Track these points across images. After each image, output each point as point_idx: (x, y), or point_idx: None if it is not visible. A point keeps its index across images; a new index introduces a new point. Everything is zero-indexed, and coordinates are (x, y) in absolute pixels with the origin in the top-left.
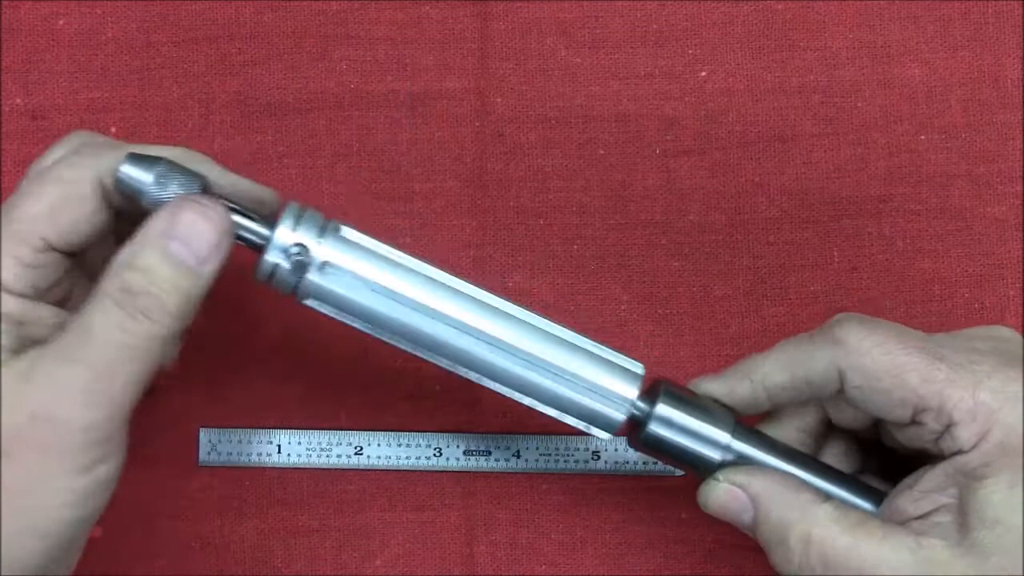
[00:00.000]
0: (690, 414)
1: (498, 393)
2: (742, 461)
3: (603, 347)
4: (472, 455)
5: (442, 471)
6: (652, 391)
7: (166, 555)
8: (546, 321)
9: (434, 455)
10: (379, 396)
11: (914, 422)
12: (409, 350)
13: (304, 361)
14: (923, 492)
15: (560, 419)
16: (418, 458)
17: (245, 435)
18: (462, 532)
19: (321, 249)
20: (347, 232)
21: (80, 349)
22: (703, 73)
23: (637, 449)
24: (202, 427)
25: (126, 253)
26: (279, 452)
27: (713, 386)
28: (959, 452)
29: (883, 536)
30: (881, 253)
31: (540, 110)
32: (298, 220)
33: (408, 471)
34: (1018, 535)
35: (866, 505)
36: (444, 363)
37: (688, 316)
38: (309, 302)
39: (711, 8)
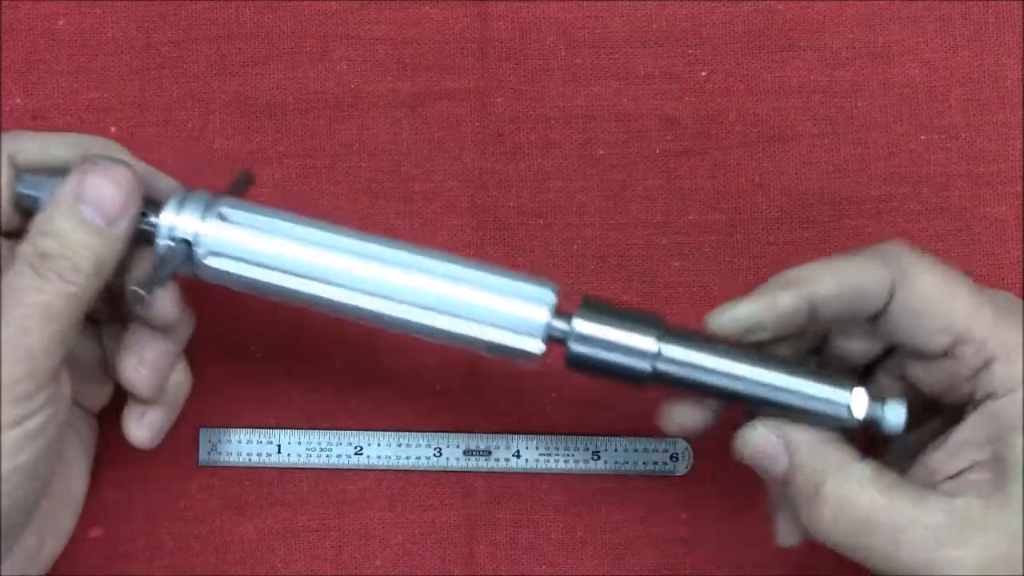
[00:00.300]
0: (610, 325)
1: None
2: (680, 369)
3: (514, 278)
4: (472, 455)
5: (442, 471)
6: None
7: (166, 555)
8: (450, 264)
9: (434, 455)
10: (379, 396)
11: (948, 355)
12: (317, 311)
13: (304, 361)
14: (955, 449)
15: (487, 355)
16: (418, 458)
17: (245, 435)
18: (462, 532)
19: (205, 230)
20: (229, 212)
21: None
22: (703, 73)
23: (573, 371)
24: (202, 427)
25: (39, 219)
26: (279, 452)
27: (747, 307)
28: (990, 396)
29: (917, 499)
30: None
31: (540, 110)
32: (181, 204)
33: (408, 471)
34: None
35: (843, 394)
36: (353, 319)
37: (688, 316)
38: (211, 280)
39: (711, 8)
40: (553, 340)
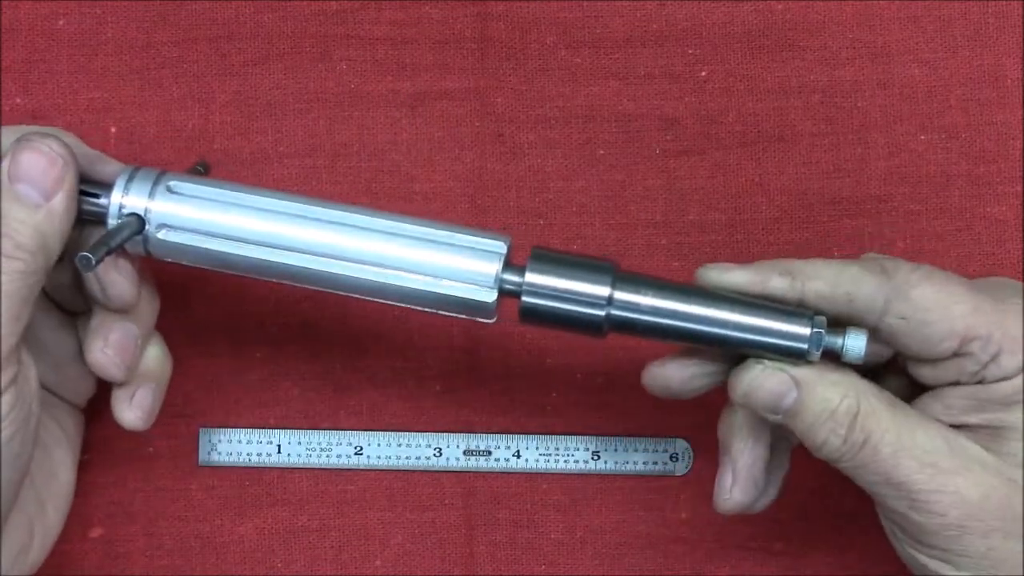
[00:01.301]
0: (562, 275)
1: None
2: (635, 315)
3: (463, 232)
4: (472, 455)
5: (442, 471)
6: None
7: (166, 555)
8: (402, 223)
9: (434, 455)
10: (379, 396)
11: (956, 355)
12: (273, 279)
13: (304, 361)
14: (947, 408)
15: (440, 313)
16: (418, 458)
17: (245, 435)
18: (462, 532)
19: (154, 205)
20: (177, 184)
21: None
22: (703, 73)
23: (527, 323)
24: (202, 427)
25: None
26: (279, 452)
27: (740, 275)
28: (1003, 379)
29: (919, 420)
30: (881, 253)
31: (540, 110)
32: (128, 183)
33: (408, 471)
34: None
35: (802, 327)
36: (308, 284)
37: None
38: (165, 256)
39: (711, 8)
40: (507, 294)
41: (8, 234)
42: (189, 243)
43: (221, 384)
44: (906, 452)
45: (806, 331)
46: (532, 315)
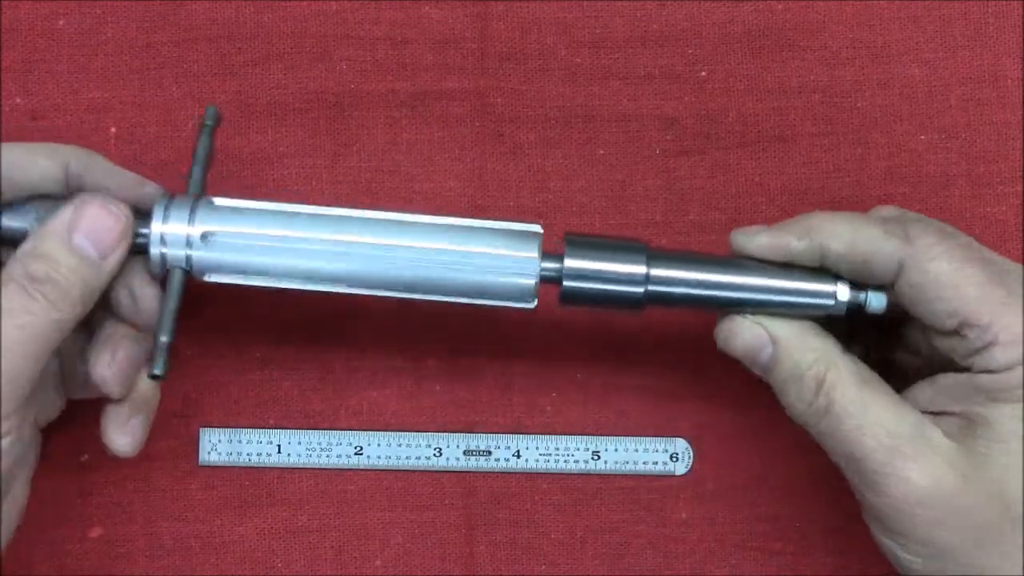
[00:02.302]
0: (600, 259)
1: (412, 300)
2: (673, 288)
3: (497, 223)
4: (472, 455)
5: (442, 471)
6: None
7: (166, 555)
8: (434, 217)
9: (434, 455)
10: (379, 396)
11: (955, 333)
12: (319, 290)
13: (304, 361)
14: (937, 393)
15: (484, 304)
16: (418, 458)
17: (245, 435)
18: (462, 532)
19: (196, 226)
20: (219, 200)
21: None
22: (703, 73)
23: (567, 306)
24: (202, 427)
25: (31, 243)
26: (279, 452)
27: (764, 239)
28: (988, 371)
29: (891, 402)
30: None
31: (540, 110)
32: (167, 209)
33: (408, 471)
34: (1018, 463)
35: (828, 285)
36: (355, 291)
37: (689, 316)
38: (210, 277)
39: (711, 8)
40: (547, 281)
41: (58, 280)
42: (235, 255)
43: (221, 384)
44: (868, 429)
45: (831, 288)
46: (573, 298)
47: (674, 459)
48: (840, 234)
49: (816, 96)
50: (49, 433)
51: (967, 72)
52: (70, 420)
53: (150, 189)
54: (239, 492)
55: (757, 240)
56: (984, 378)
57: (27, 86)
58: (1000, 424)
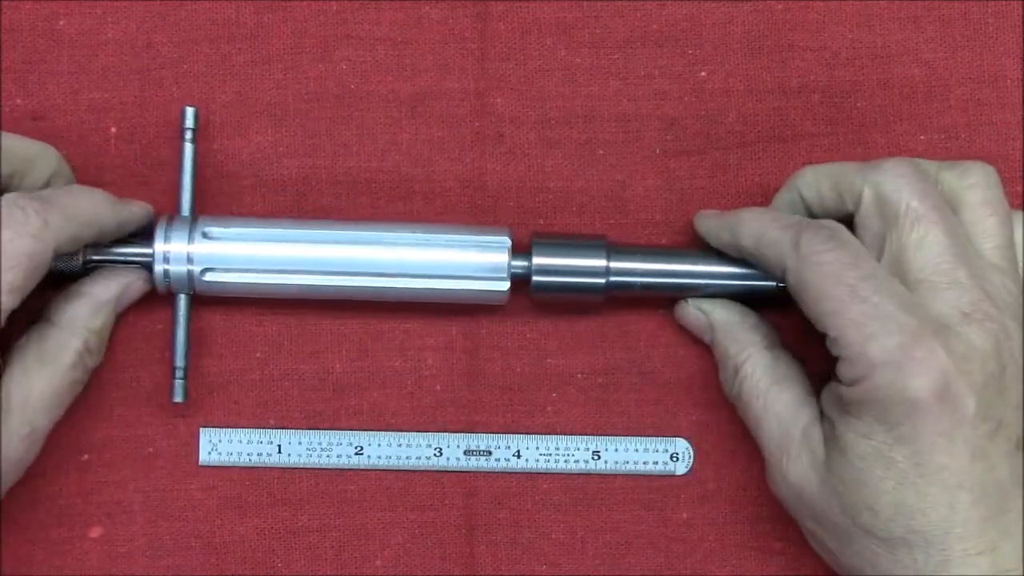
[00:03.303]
0: (564, 255)
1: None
2: (631, 278)
3: (467, 232)
4: (472, 455)
5: (442, 471)
6: (527, 247)
7: (166, 555)
8: (409, 233)
9: (434, 455)
10: (379, 396)
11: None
12: (310, 298)
13: (304, 361)
14: (827, 394)
15: (460, 302)
16: (418, 458)
17: (245, 435)
18: (462, 532)
19: (196, 247)
20: (213, 230)
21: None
22: (703, 73)
23: (536, 299)
24: (202, 427)
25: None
26: (279, 452)
27: (706, 225)
28: (839, 382)
29: (792, 400)
30: None
31: (540, 110)
32: (168, 230)
33: (408, 471)
34: (857, 477)
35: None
36: (337, 296)
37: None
38: (208, 290)
39: (711, 8)
40: (516, 277)
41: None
42: (233, 279)
43: (221, 384)
44: (766, 422)
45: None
46: (542, 290)
47: (674, 459)
48: (750, 233)
49: (816, 96)
50: (49, 433)
51: (967, 72)
52: (70, 420)
53: (135, 207)
54: (239, 492)
55: (703, 224)
56: (839, 387)
57: (27, 86)
58: (844, 437)
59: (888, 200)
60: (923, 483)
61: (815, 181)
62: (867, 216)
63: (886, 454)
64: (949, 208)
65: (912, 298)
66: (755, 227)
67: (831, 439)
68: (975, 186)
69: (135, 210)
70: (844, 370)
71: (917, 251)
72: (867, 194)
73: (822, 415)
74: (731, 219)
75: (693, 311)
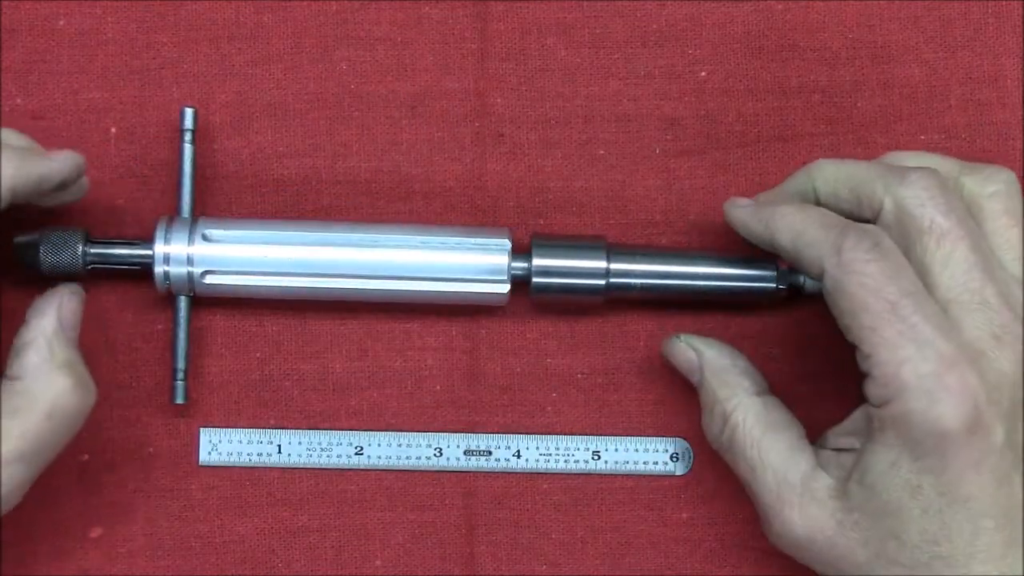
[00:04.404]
0: (564, 256)
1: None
2: (630, 279)
3: (467, 234)
4: (472, 455)
5: (442, 471)
6: (526, 248)
7: (166, 555)
8: (409, 235)
9: (434, 455)
10: (379, 396)
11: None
12: (312, 299)
13: (304, 361)
14: (844, 431)
15: (460, 304)
16: (418, 458)
17: (245, 435)
18: (462, 532)
19: (196, 249)
20: (212, 232)
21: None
22: (703, 73)
23: (536, 300)
24: (202, 427)
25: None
26: (279, 452)
27: (739, 215)
28: (868, 402)
29: (787, 448)
30: None
31: (540, 110)
32: (168, 232)
33: (408, 471)
34: (882, 508)
35: (769, 269)
36: (337, 298)
37: (689, 316)
38: (208, 292)
39: (711, 8)
40: (516, 279)
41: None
42: (233, 283)
43: (221, 384)
44: (760, 473)
45: (772, 273)
46: (542, 292)
47: (674, 459)
48: (788, 229)
49: (816, 96)
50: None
51: (967, 72)
52: None
53: (55, 162)
54: (239, 492)
55: (734, 213)
56: (869, 408)
57: (27, 86)
58: (872, 468)
59: (911, 215)
60: (949, 512)
61: (833, 180)
62: (887, 228)
63: (913, 483)
64: (972, 220)
65: (947, 321)
66: (794, 224)
67: (852, 470)
68: (997, 195)
69: (54, 164)
70: (872, 389)
71: (944, 268)
72: (888, 206)
73: (838, 451)
74: (767, 212)
75: (684, 348)
